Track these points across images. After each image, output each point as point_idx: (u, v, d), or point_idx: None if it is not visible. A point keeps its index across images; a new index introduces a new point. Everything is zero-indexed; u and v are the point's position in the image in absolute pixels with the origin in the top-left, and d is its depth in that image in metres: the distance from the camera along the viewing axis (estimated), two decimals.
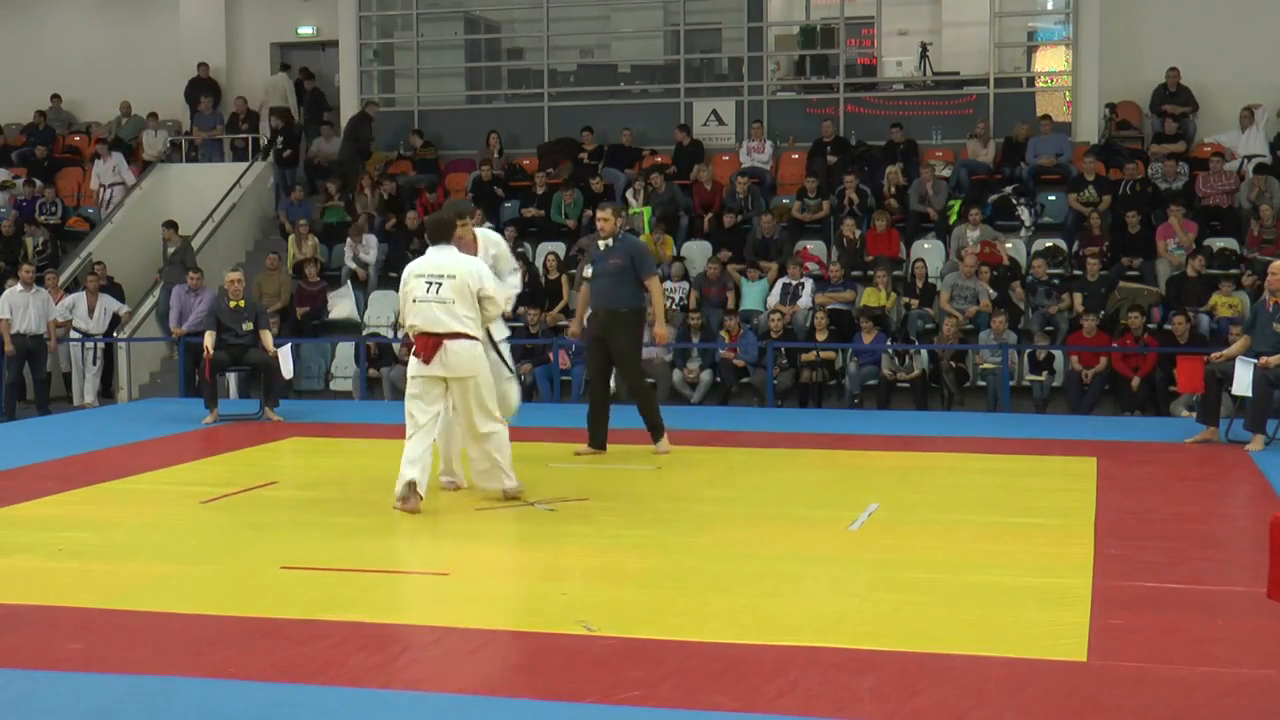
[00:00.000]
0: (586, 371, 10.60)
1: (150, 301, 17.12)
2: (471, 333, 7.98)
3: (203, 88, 20.23)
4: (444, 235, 8.15)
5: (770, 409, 13.89)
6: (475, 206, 9.96)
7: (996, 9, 18.16)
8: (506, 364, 8.73)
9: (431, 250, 8.11)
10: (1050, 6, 18.62)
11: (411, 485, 7.85)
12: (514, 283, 8.97)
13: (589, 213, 17.01)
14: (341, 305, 16.78)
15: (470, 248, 8.50)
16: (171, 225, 17.23)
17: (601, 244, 10.00)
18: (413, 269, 8.14)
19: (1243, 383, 10.27)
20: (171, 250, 17.06)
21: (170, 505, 8.41)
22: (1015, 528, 7.48)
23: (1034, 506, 8.12)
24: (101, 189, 19.31)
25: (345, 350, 16.21)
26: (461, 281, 7.95)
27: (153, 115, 20.42)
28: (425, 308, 7.96)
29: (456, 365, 7.96)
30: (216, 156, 20.00)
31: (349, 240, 17.20)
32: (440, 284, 7.93)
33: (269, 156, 19.46)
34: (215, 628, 5.68)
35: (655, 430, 10.09)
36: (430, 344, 7.92)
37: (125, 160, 19.45)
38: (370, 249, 17.14)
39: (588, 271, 10.14)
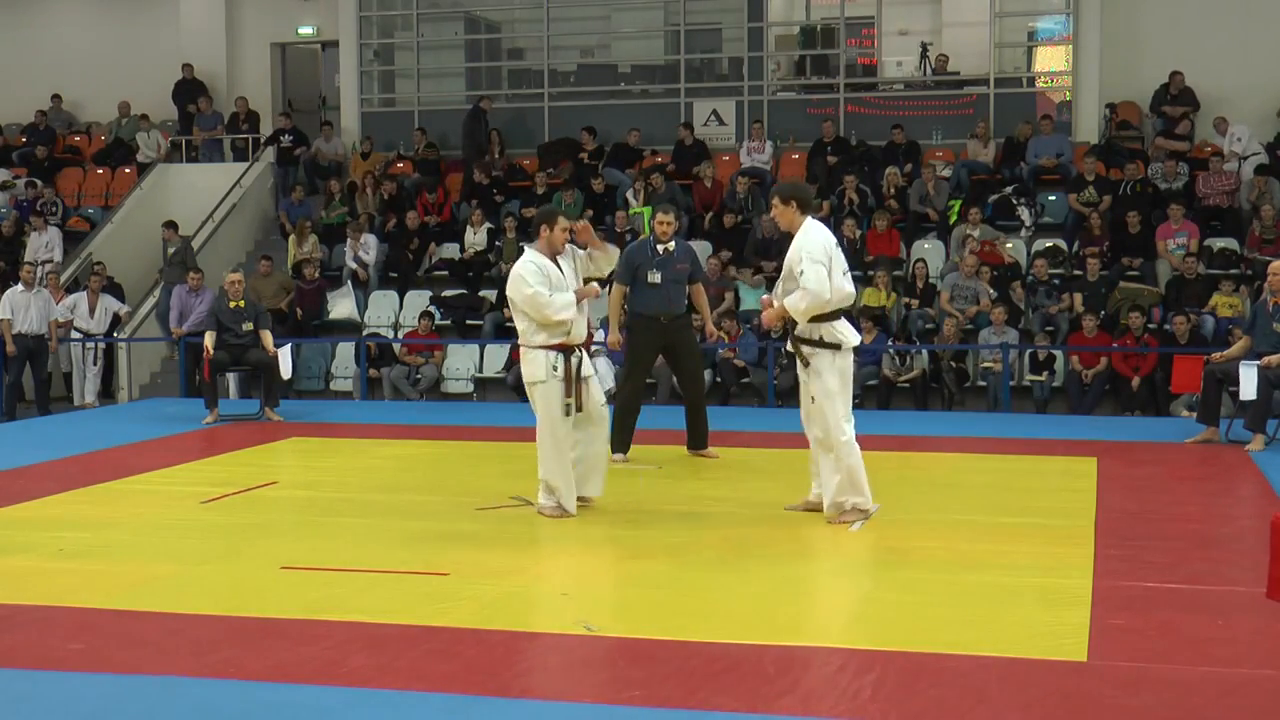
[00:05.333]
0: (632, 376, 10.10)
1: (150, 301, 17.12)
2: (524, 341, 7.92)
3: (191, 88, 20.23)
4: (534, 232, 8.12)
5: (770, 409, 13.88)
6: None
7: (996, 9, 18.16)
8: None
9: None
10: (1050, 6, 18.62)
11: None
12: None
13: (589, 213, 17.02)
14: (341, 305, 16.79)
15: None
16: (171, 225, 17.23)
17: (662, 248, 9.80)
18: None
19: (1248, 387, 10.23)
20: (171, 250, 17.06)
21: (170, 505, 8.41)
22: (1015, 528, 7.48)
23: (1034, 506, 8.12)
24: (35, 266, 16.61)
25: (345, 350, 16.21)
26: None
27: (144, 117, 20.43)
28: None
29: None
30: (217, 156, 20.03)
31: (349, 240, 17.21)
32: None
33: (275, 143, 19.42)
34: (215, 628, 5.68)
35: (705, 436, 10.05)
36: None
37: (61, 234, 18.40)
38: (370, 249, 17.14)
39: (656, 278, 9.74)
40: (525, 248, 8.09)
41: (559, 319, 7.75)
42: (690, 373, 10.13)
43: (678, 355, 10.12)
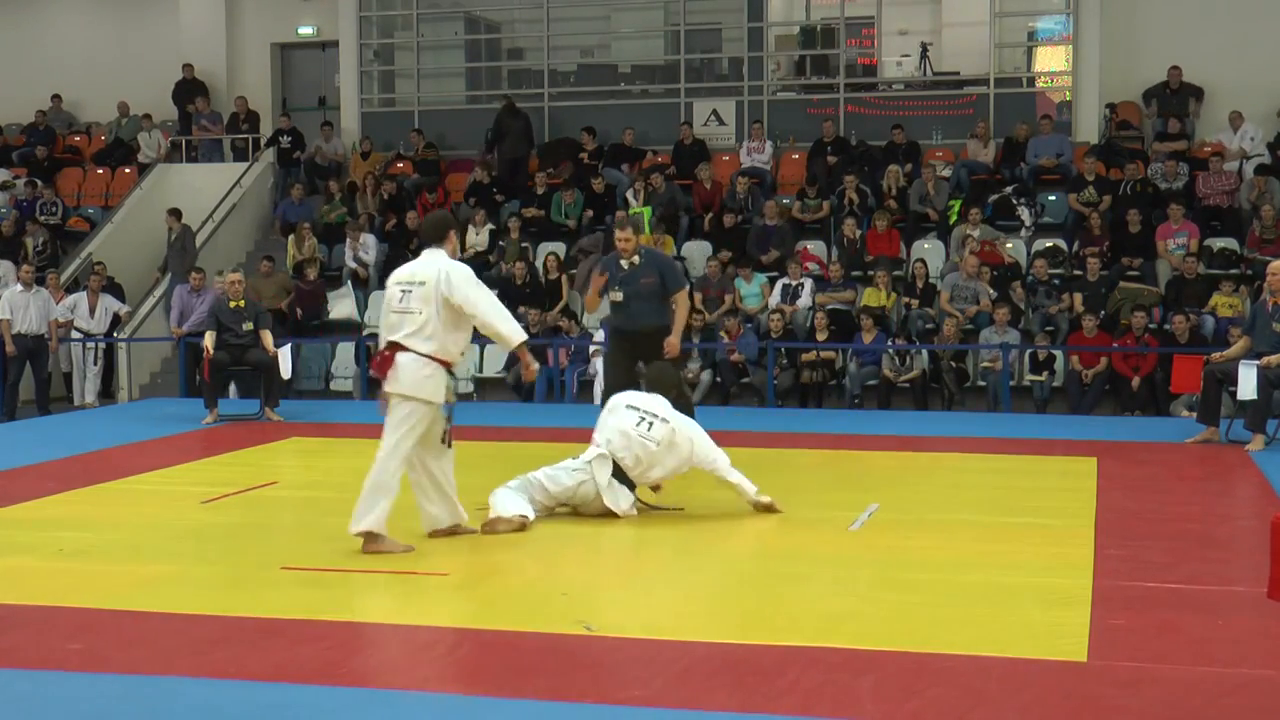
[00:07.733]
0: (612, 388, 9.50)
1: (151, 301, 17.14)
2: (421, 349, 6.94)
3: (191, 88, 20.23)
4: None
5: (770, 409, 13.89)
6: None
7: (996, 9, 18.16)
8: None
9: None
10: (1050, 6, 18.62)
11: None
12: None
13: (589, 213, 17.04)
14: (341, 305, 16.79)
15: None
16: (175, 213, 17.26)
17: (625, 263, 9.48)
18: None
19: (1248, 387, 10.23)
20: (174, 237, 17.10)
21: (170, 505, 8.41)
22: (1015, 528, 7.48)
23: (1034, 506, 8.12)
24: (34, 267, 15.88)
25: (345, 350, 16.20)
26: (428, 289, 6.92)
27: (147, 117, 20.45)
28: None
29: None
30: (217, 156, 20.02)
31: (348, 240, 17.21)
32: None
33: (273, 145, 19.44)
34: (215, 628, 5.68)
35: None
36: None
37: (15, 266, 16.81)
38: (370, 249, 17.15)
39: (618, 295, 9.44)
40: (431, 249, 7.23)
41: (517, 339, 7.16)
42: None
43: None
